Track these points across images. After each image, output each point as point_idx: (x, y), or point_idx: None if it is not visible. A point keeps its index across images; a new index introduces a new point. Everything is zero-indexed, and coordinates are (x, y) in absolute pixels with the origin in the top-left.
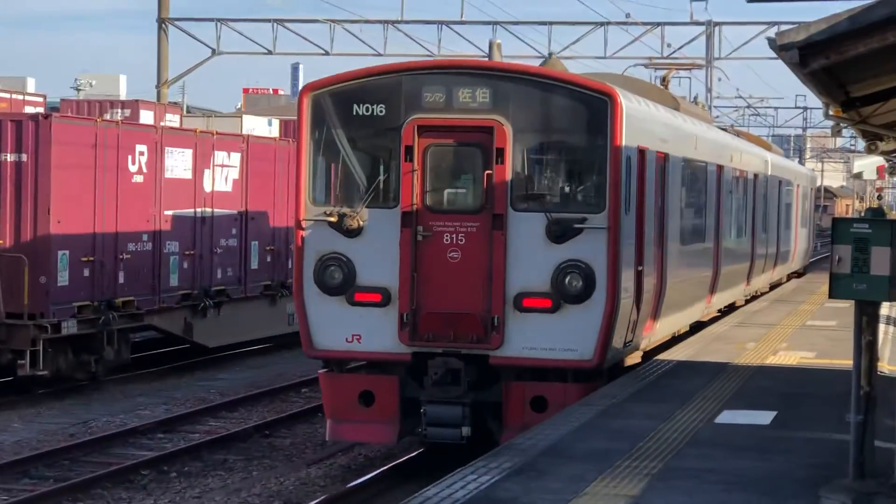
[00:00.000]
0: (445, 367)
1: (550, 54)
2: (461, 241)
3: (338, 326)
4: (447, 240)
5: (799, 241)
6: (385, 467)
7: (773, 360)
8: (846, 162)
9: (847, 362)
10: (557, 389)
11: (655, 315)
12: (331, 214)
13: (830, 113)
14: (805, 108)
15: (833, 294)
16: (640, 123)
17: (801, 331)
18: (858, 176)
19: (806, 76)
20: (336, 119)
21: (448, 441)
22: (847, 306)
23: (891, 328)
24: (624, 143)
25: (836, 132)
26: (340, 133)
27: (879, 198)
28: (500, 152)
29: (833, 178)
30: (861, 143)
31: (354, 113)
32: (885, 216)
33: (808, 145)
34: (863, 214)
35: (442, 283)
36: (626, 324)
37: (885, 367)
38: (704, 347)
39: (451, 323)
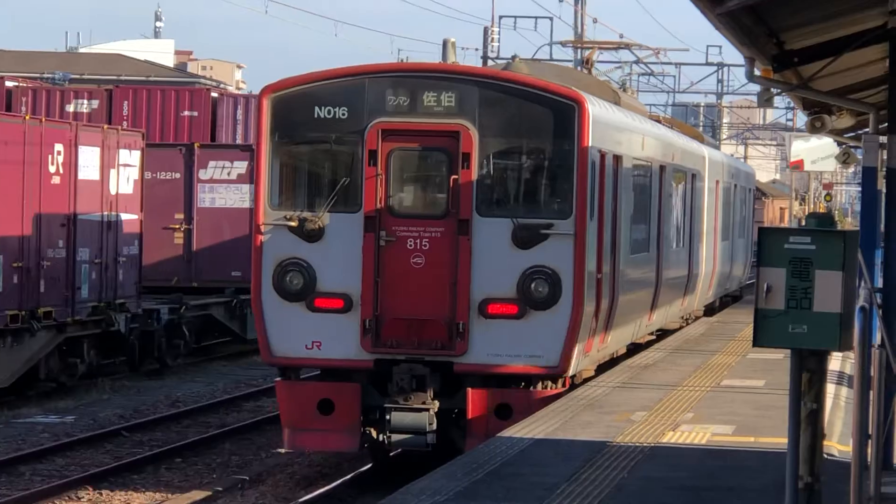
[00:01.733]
0: (411, 374)
1: (514, 56)
2: (425, 246)
3: (297, 333)
4: (411, 245)
5: (736, 257)
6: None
7: (672, 439)
8: (780, 145)
9: (780, 441)
10: (521, 396)
11: (608, 326)
12: (291, 219)
13: (757, 73)
14: (720, 66)
15: (759, 340)
16: (602, 127)
17: (713, 394)
18: (798, 166)
19: (721, 19)
20: (297, 121)
21: (413, 448)
22: (781, 357)
23: (843, 390)
24: (591, 150)
25: (766, 101)
26: (301, 136)
27: (828, 198)
28: (466, 157)
29: (762, 169)
30: (802, 118)
31: (316, 115)
32: (833, 225)
33: (725, 120)
34: (803, 222)
35: (405, 288)
36: (588, 332)
37: (834, 447)
38: (572, 419)
39: (415, 329)
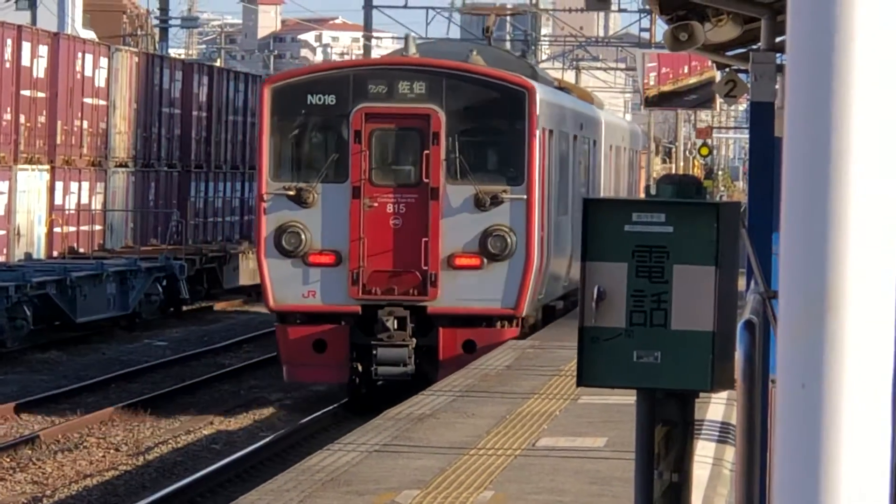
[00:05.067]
0: (393, 316)
1: (471, 50)
2: (402, 210)
3: (295, 284)
4: (390, 209)
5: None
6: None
7: None
8: (630, 70)
9: None
10: (485, 333)
11: (545, 278)
12: (289, 189)
13: None
14: None
15: (586, 376)
16: (545, 108)
17: (525, 461)
18: (656, 100)
19: None
20: (293, 107)
21: (396, 378)
22: (630, 402)
23: (729, 451)
24: (538, 128)
25: (600, 1)
26: (297, 119)
27: (705, 152)
28: (436, 135)
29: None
30: (661, 27)
31: (309, 102)
32: (701, 193)
33: (546, 31)
34: (652, 189)
35: (386, 245)
36: (537, 280)
37: None
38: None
39: (395, 279)
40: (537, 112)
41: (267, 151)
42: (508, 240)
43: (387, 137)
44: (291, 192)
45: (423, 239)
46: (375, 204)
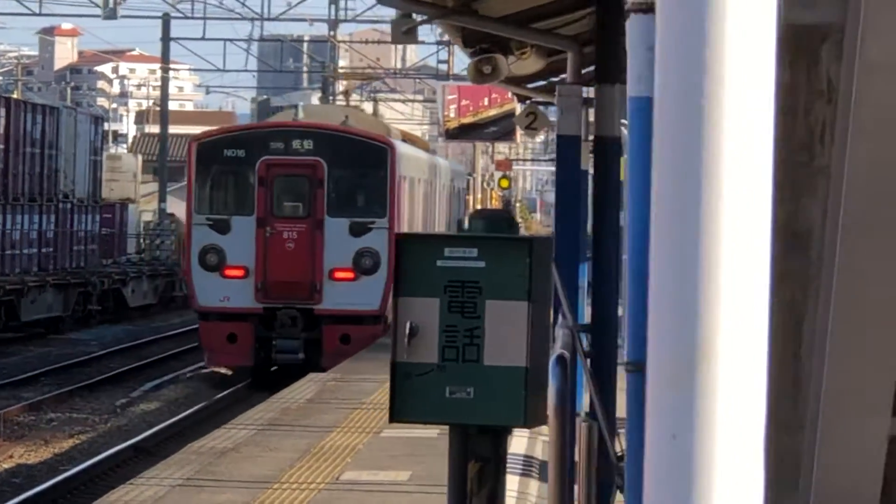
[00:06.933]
0: (288, 316)
1: (346, 116)
2: (295, 236)
3: (213, 292)
4: (286, 235)
5: None
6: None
7: None
8: (429, 102)
9: None
10: (357, 329)
11: None
12: (210, 219)
13: None
14: None
15: (398, 412)
16: (402, 159)
17: (329, 496)
18: (456, 133)
19: None
20: (213, 158)
21: (290, 363)
22: (436, 435)
23: (532, 484)
24: (397, 174)
25: (406, 34)
26: (216, 167)
27: (504, 184)
28: (320, 181)
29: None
30: (459, 59)
31: (225, 154)
32: (513, 227)
33: (344, 62)
34: (466, 224)
35: (283, 262)
36: None
37: None
38: None
39: (289, 288)
40: (397, 163)
41: (194, 191)
42: (375, 259)
43: (283, 182)
44: (211, 223)
45: (311, 258)
46: (275, 231)
